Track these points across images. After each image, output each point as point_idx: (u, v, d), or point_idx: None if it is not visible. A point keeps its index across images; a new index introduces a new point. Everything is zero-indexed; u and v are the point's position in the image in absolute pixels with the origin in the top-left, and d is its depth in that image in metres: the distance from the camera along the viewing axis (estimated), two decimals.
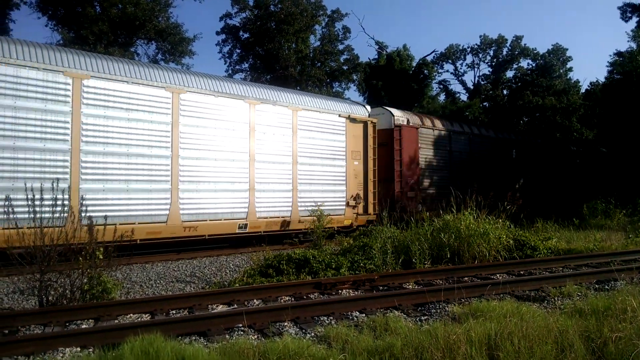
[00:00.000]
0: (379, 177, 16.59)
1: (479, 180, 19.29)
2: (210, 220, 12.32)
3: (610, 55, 36.33)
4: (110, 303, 7.04)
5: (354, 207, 15.66)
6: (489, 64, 45.72)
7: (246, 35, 35.70)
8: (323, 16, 36.48)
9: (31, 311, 6.70)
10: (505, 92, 44.28)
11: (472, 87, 46.15)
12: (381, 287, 8.64)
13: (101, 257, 7.43)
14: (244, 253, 12.68)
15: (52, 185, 8.18)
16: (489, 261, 10.77)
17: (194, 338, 5.72)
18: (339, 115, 15.66)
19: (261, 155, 13.50)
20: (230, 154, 12.86)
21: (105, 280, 7.49)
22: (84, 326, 6.36)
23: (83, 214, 7.79)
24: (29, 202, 7.31)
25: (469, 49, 45.66)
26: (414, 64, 42.05)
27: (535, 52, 43.74)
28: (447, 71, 49.43)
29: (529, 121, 41.40)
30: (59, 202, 7.66)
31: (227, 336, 5.75)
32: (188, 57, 32.08)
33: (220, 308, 7.23)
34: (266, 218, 13.49)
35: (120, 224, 10.43)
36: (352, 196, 15.66)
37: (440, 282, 9.02)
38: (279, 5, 33.95)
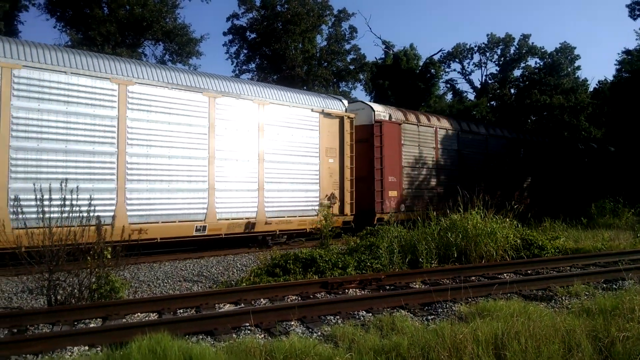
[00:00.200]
0: (357, 175, 15.74)
1: (469, 180, 18.82)
2: (162, 223, 11.30)
3: (619, 54, 36.04)
4: (118, 302, 7.08)
5: (328, 207, 14.67)
6: (496, 62, 45.65)
7: (253, 36, 35.79)
8: (330, 16, 36.51)
9: (40, 310, 6.76)
10: (512, 91, 44.16)
11: (479, 86, 46.07)
12: (388, 287, 8.64)
13: (109, 256, 7.49)
14: (251, 252, 12.70)
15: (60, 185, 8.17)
16: (496, 260, 10.74)
17: (201, 337, 5.74)
18: (312, 110, 14.69)
19: (222, 153, 12.56)
20: (186, 151, 11.95)
21: (113, 280, 7.54)
22: (92, 325, 6.40)
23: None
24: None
25: (476, 48, 45.67)
26: (421, 63, 41.97)
27: (542, 50, 43.62)
28: (454, 70, 49.49)
29: (537, 120, 41.22)
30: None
31: (234, 335, 5.76)
32: (195, 57, 32.23)
33: (227, 307, 7.25)
34: (228, 220, 12.52)
35: (57, 227, 9.81)
36: (327, 196, 14.82)
37: (447, 281, 9.00)
38: (286, 6, 34.00)
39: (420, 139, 18.06)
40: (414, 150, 17.76)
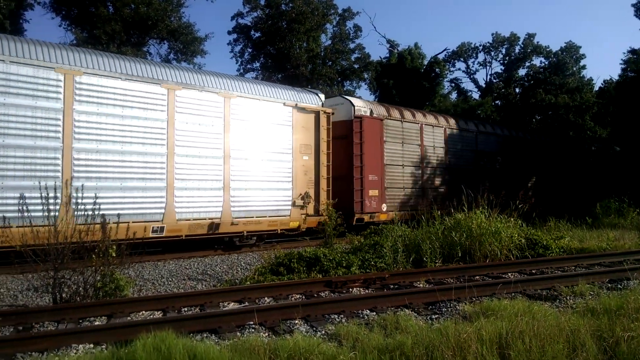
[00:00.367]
0: (336, 174, 15.05)
1: (458, 179, 18.48)
2: (114, 223, 9.38)
3: (624, 53, 35.87)
4: (122, 300, 7.12)
5: (301, 207, 13.93)
6: (501, 62, 45.46)
7: (257, 35, 35.79)
8: (334, 15, 36.48)
9: (45, 308, 6.81)
10: (517, 90, 43.98)
11: (484, 86, 45.92)
12: (392, 286, 8.64)
13: (114, 254, 7.52)
14: (255, 252, 12.71)
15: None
16: (500, 260, 10.73)
17: (205, 335, 5.76)
18: (284, 104, 13.84)
19: (183, 149, 11.78)
20: (142, 147, 11.18)
21: (118, 278, 7.58)
22: (97, 323, 6.43)
23: None
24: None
25: (481, 47, 45.49)
26: (426, 63, 41.86)
27: (548, 49, 43.40)
28: (459, 69, 49.18)
29: (542, 119, 41.08)
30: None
31: (238, 333, 5.78)
32: (200, 56, 32.28)
33: (232, 306, 7.27)
34: (189, 220, 11.72)
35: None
36: (300, 195, 13.98)
37: (451, 280, 8.99)
38: (290, 4, 33.98)
39: (405, 135, 17.36)
40: (397, 148, 17.06)
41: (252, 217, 12.91)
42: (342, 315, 6.58)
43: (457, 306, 6.99)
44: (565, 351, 4.65)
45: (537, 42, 43.59)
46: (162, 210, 11.39)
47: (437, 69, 41.45)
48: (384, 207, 16.16)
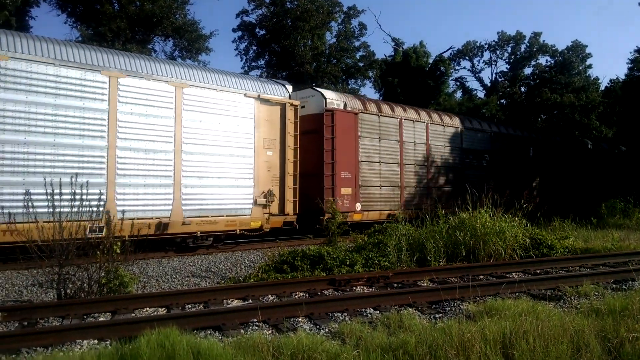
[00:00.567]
0: (305, 170, 14.13)
1: (441, 177, 18.12)
2: (44, 222, 8.48)
3: (631, 52, 35.69)
4: (127, 297, 7.14)
5: (264, 206, 13.02)
6: (507, 60, 45.35)
7: (262, 32, 35.83)
8: (339, 13, 36.51)
9: (50, 304, 6.83)
10: (523, 89, 43.84)
11: (489, 84, 45.82)
12: (395, 285, 8.63)
13: (118, 251, 7.55)
14: (259, 249, 12.72)
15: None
16: (504, 259, 10.70)
17: (209, 332, 5.78)
18: (245, 95, 12.84)
19: (126, 142, 10.90)
20: (77, 139, 10.28)
21: (122, 274, 7.60)
22: (101, 319, 6.46)
23: None
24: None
25: (486, 46, 45.39)
26: (431, 61, 41.78)
27: (554, 48, 43.25)
28: (464, 68, 49.48)
29: (547, 119, 40.93)
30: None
31: (241, 331, 5.79)
32: (205, 54, 32.37)
33: (235, 303, 7.28)
34: (133, 219, 10.06)
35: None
36: (263, 193, 13.02)
37: (455, 280, 8.97)
38: (295, 2, 34.01)
39: (382, 131, 16.37)
40: (373, 144, 16.09)
41: (207, 217, 12.02)
42: (345, 314, 6.58)
43: (461, 305, 6.97)
44: (569, 351, 4.64)
45: (543, 41, 43.51)
46: (101, 209, 9.76)
47: (442, 68, 41.34)
48: (358, 206, 15.35)
